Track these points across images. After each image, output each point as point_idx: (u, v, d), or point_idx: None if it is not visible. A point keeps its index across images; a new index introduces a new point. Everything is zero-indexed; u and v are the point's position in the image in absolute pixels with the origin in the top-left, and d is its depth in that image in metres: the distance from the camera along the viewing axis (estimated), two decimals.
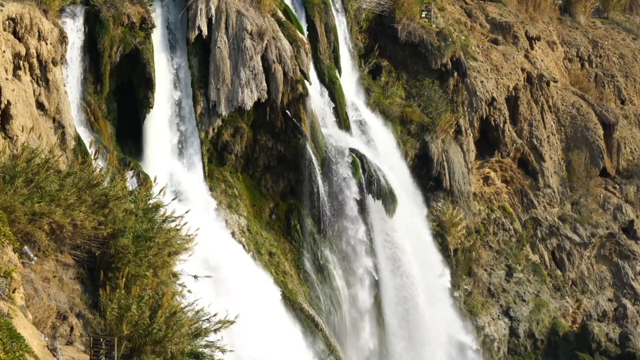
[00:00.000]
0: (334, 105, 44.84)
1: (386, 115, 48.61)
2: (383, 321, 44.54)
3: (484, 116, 53.98)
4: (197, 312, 20.62)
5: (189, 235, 22.95)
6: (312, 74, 43.60)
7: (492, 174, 55.82)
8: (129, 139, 37.39)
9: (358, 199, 42.75)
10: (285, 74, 40.56)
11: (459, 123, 51.43)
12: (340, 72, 46.25)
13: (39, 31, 31.26)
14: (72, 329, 19.37)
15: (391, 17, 50.62)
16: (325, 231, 42.30)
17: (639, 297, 57.40)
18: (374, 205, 43.65)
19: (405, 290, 45.12)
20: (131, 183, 31.97)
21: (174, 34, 39.22)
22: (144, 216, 22.12)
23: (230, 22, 39.71)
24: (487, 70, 55.22)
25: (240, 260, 37.55)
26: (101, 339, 18.48)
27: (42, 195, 20.23)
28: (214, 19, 39.40)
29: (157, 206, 23.05)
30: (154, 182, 30.05)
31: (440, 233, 48.70)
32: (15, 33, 30.54)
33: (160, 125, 38.06)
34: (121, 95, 37.17)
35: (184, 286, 22.64)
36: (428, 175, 49.39)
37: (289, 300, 39.12)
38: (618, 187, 60.96)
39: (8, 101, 28.39)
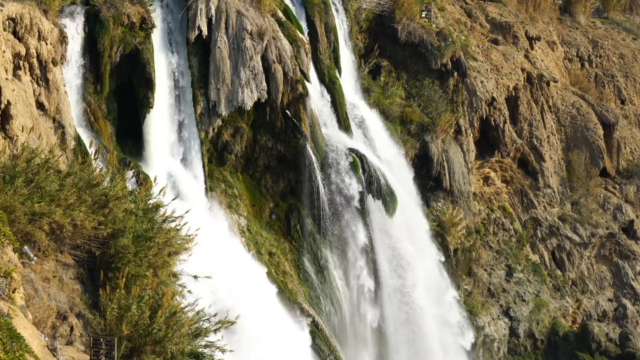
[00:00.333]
0: (334, 105, 44.84)
1: (386, 115, 48.61)
2: (383, 320, 44.52)
3: (484, 116, 53.97)
4: (197, 312, 20.63)
5: (189, 235, 22.96)
6: (312, 74, 43.60)
7: (492, 174, 55.82)
8: (129, 139, 37.39)
9: (358, 199, 42.75)
10: (285, 74, 40.57)
11: (459, 123, 51.43)
12: (340, 72, 46.25)
13: (39, 31, 31.27)
14: (72, 329, 19.38)
15: (391, 17, 50.61)
16: (325, 231, 42.30)
17: (639, 297, 57.40)
18: (374, 205, 43.64)
19: (406, 290, 45.10)
20: (131, 183, 31.99)
21: (174, 34, 39.21)
22: (144, 216, 22.13)
23: (230, 22, 39.71)
24: (487, 70, 55.22)
25: (240, 260, 37.54)
26: (101, 339, 18.48)
27: (42, 195, 20.24)
28: (214, 19, 39.40)
29: (157, 206, 23.06)
30: (154, 182, 30.08)
31: (440, 233, 48.69)
32: (15, 33, 30.55)
33: (160, 125, 38.05)
34: (121, 95, 37.16)
35: (184, 286, 22.65)
36: (428, 175, 49.39)
37: (289, 300, 39.13)
38: (618, 187, 60.96)
39: (8, 101, 28.40)
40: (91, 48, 35.75)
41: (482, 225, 54.12)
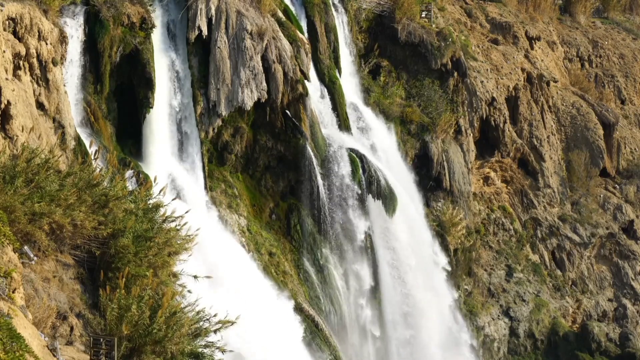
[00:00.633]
0: (334, 105, 44.84)
1: (386, 115, 48.61)
2: (383, 320, 44.52)
3: (484, 116, 53.97)
4: (198, 312, 20.62)
5: (189, 235, 22.95)
6: (312, 74, 43.60)
7: (492, 174, 55.82)
8: (129, 139, 37.39)
9: (358, 199, 42.75)
10: (285, 74, 40.57)
11: (459, 123, 51.43)
12: (340, 72, 46.25)
13: (39, 31, 31.27)
14: (72, 329, 19.38)
15: (391, 17, 50.61)
16: (325, 231, 42.30)
17: (639, 297, 57.40)
18: (374, 205, 43.64)
19: (406, 289, 45.11)
20: (131, 183, 32.00)
21: (174, 34, 39.22)
22: (144, 216, 22.12)
23: (230, 22, 39.71)
24: (487, 70, 55.23)
25: (240, 260, 37.54)
26: (101, 339, 18.48)
27: (42, 195, 20.23)
28: (214, 19, 39.40)
29: (157, 206, 23.05)
30: (154, 182, 30.07)
31: (440, 233, 48.70)
32: (15, 33, 30.54)
33: (160, 125, 38.05)
34: (121, 95, 37.16)
35: (184, 286, 22.64)
36: (428, 175, 49.39)
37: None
38: (618, 187, 60.96)
39: (8, 101, 28.39)
40: (91, 48, 35.74)
41: (482, 225, 54.12)
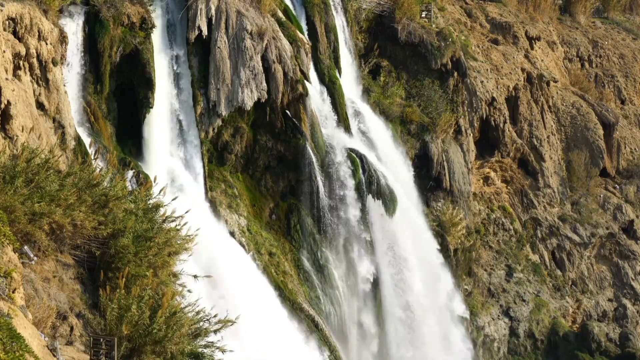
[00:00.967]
0: (334, 106, 44.82)
1: (386, 115, 48.61)
2: (383, 320, 44.52)
3: (484, 116, 53.97)
4: (197, 312, 20.61)
5: (189, 235, 22.94)
6: (312, 74, 43.60)
7: (492, 174, 55.81)
8: (129, 139, 37.39)
9: (358, 199, 42.74)
10: (285, 74, 40.57)
11: (459, 123, 51.43)
12: (340, 72, 46.24)
13: (39, 31, 31.27)
14: (72, 329, 19.37)
15: (391, 17, 50.60)
16: (325, 231, 42.30)
17: (639, 297, 57.39)
18: (374, 205, 43.64)
19: (406, 288, 45.10)
20: (131, 183, 32.01)
21: (174, 34, 39.22)
22: (144, 216, 22.11)
23: (230, 22, 39.71)
24: (487, 70, 55.22)
25: (239, 260, 37.56)
26: (101, 339, 18.47)
27: (42, 195, 20.22)
28: (214, 19, 39.40)
29: (157, 206, 23.04)
30: (154, 182, 30.08)
31: (440, 233, 48.69)
32: (15, 33, 30.55)
33: (160, 125, 38.06)
34: (121, 95, 37.17)
35: (184, 286, 22.64)
36: (428, 175, 49.38)
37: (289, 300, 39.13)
38: (618, 187, 60.95)
39: (8, 101, 28.39)
40: (91, 48, 35.75)
41: (482, 225, 54.11)
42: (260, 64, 39.95)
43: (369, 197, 43.24)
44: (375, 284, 44.22)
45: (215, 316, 20.76)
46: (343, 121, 44.98)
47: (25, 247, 19.28)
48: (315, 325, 39.46)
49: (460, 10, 60.29)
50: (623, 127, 63.38)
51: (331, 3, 46.87)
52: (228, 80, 39.40)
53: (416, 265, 45.65)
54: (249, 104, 39.59)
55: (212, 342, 20.55)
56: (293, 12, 44.59)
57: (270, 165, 42.07)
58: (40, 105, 31.44)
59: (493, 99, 54.23)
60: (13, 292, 16.83)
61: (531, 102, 57.68)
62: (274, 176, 42.14)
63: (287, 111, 41.19)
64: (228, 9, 39.79)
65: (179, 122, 39.03)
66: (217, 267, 32.66)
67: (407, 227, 45.58)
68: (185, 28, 38.97)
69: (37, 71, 31.50)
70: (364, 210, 43.16)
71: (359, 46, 50.18)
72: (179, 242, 22.51)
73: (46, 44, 31.61)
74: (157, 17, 38.40)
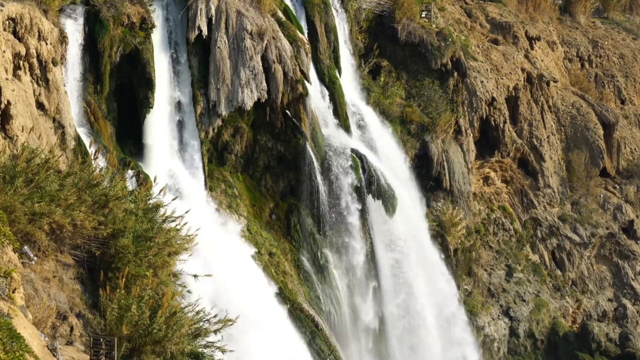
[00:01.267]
0: (334, 105, 44.83)
1: (386, 115, 48.60)
2: (383, 320, 44.52)
3: (484, 116, 53.98)
4: (198, 312, 20.62)
5: (189, 235, 22.95)
6: (312, 74, 43.60)
7: (492, 174, 55.82)
8: (129, 139, 37.39)
9: (358, 199, 42.74)
10: (285, 74, 40.57)
11: (459, 123, 51.43)
12: (340, 72, 46.24)
13: (39, 31, 31.27)
14: (72, 329, 19.37)
15: (391, 17, 50.60)
16: (325, 231, 42.31)
17: (639, 297, 57.39)
18: (374, 205, 43.64)
19: (406, 289, 45.10)
20: (131, 183, 32.00)
21: (174, 34, 39.21)
22: (144, 216, 22.12)
23: (230, 22, 39.71)
24: (487, 70, 55.22)
25: (239, 260, 37.54)
26: (101, 339, 18.47)
27: (42, 195, 20.23)
28: (214, 19, 39.40)
29: (157, 206, 23.05)
30: (154, 182, 30.08)
31: (440, 233, 48.69)
32: (15, 33, 30.55)
33: (160, 125, 38.05)
34: (121, 95, 37.16)
35: (184, 286, 22.65)
36: (428, 175, 49.38)
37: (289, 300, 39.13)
38: (618, 187, 60.96)
39: (8, 101, 28.39)
40: (91, 48, 35.74)
41: (482, 225, 54.11)
42: (260, 64, 39.95)
43: (369, 197, 43.24)
44: (375, 284, 44.20)
45: (215, 316, 20.77)
46: (343, 121, 44.98)
47: (25, 247, 19.29)
48: (315, 325, 39.47)
49: (460, 10, 60.29)
50: (623, 127, 63.39)
51: (331, 3, 46.88)
52: (228, 80, 39.41)
53: (416, 265, 45.63)
54: (249, 104, 39.59)
55: (212, 342, 20.56)
56: (293, 12, 44.59)
57: (270, 165, 42.08)
58: (40, 105, 31.44)
59: (493, 99, 54.24)
60: (13, 292, 16.83)
61: (531, 102, 57.68)
62: (274, 176, 42.14)
63: (287, 111, 41.19)
64: (228, 9, 39.79)
65: (179, 122, 39.03)
66: (216, 267, 32.63)
67: (407, 227, 45.58)
68: (185, 28, 38.97)
69: (37, 71, 31.50)
70: (363, 210, 43.16)
71: (359, 46, 50.17)
72: (179, 242, 22.52)
73: (46, 44, 31.61)
74: (157, 17, 38.40)
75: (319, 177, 41.72)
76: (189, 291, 22.59)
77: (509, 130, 55.29)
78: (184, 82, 39.18)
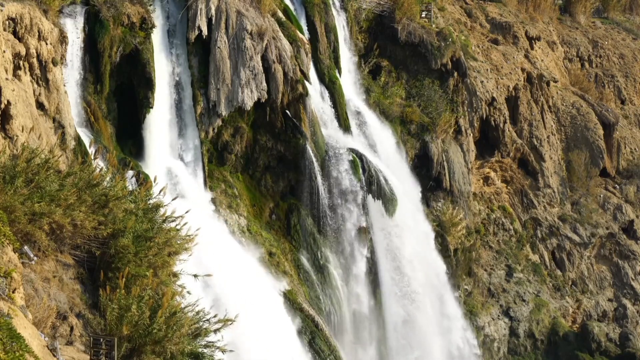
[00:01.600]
0: (334, 105, 44.84)
1: (386, 115, 48.61)
2: (383, 320, 44.52)
3: (484, 116, 53.98)
4: (197, 312, 20.61)
5: (189, 236, 22.94)
6: (312, 74, 43.60)
7: (492, 174, 55.82)
8: (129, 139, 37.39)
9: (358, 199, 42.74)
10: (285, 74, 40.57)
11: (459, 123, 51.44)
12: (340, 72, 46.25)
13: (39, 31, 31.27)
14: (72, 329, 19.37)
15: (391, 17, 50.61)
16: (325, 231, 42.31)
17: (639, 297, 57.40)
18: (374, 205, 43.63)
19: (406, 289, 45.10)
20: (131, 183, 31.99)
21: (174, 34, 39.22)
22: (144, 216, 22.10)
23: (230, 22, 39.71)
24: (487, 70, 55.23)
25: (239, 259, 37.53)
26: (101, 339, 18.47)
27: (42, 195, 20.21)
28: (214, 19, 39.40)
29: (157, 206, 23.03)
30: (154, 182, 30.07)
31: (440, 233, 48.69)
32: (15, 33, 30.55)
33: (160, 125, 38.06)
34: (121, 95, 37.17)
35: (184, 287, 22.63)
36: (428, 175, 49.38)
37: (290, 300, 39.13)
38: (618, 187, 60.96)
39: (8, 101, 28.39)
40: (91, 48, 35.75)
41: (482, 225, 54.12)
42: (260, 64, 39.96)
43: (369, 197, 43.24)
44: (376, 283, 44.20)
45: (215, 316, 20.76)
46: (343, 121, 44.98)
47: (25, 247, 19.28)
48: (315, 325, 39.46)
49: (460, 10, 60.30)
50: (623, 127, 63.39)
51: (331, 3, 46.88)
52: (228, 80, 39.41)
53: (416, 265, 45.63)
54: (249, 104, 39.59)
55: (212, 342, 20.55)
56: (293, 12, 44.60)
57: (270, 165, 42.08)
58: (40, 105, 31.45)
59: (493, 99, 54.24)
60: (13, 292, 16.83)
61: (531, 102, 57.68)
62: (274, 176, 42.14)
63: (287, 111, 41.19)
64: (228, 9, 39.79)
65: (179, 122, 39.03)
66: (216, 266, 32.61)
67: (407, 227, 45.58)
68: (185, 28, 38.98)
69: (37, 71, 31.50)
70: (364, 210, 43.15)
71: (359, 46, 50.18)
72: (179, 242, 22.50)
73: (46, 44, 31.62)
74: (157, 17, 38.41)
75: (319, 177, 41.73)
76: (188, 292, 22.57)
77: (509, 130, 55.29)
78: (184, 82, 39.19)
